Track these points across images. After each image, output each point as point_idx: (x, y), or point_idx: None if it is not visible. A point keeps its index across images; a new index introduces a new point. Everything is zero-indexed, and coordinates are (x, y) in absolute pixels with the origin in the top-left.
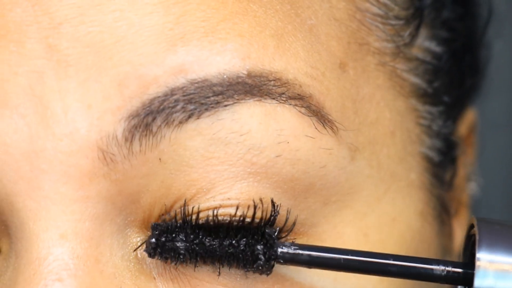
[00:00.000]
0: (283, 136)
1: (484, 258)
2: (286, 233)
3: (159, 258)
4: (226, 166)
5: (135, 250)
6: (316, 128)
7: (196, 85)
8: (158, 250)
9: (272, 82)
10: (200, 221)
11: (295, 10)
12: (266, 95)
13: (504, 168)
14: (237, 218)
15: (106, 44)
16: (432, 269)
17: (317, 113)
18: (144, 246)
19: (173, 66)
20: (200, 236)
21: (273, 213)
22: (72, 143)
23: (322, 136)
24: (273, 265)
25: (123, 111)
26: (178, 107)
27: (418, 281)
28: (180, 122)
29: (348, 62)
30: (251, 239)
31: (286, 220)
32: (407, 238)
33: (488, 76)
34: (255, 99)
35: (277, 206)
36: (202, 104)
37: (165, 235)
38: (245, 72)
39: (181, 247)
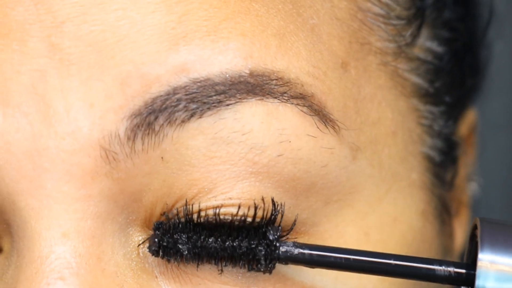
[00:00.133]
0: (285, 135)
1: (486, 259)
2: (287, 232)
3: (162, 257)
4: (228, 165)
5: (139, 245)
6: (318, 128)
7: (198, 84)
8: (161, 250)
9: (274, 81)
10: (202, 220)
11: (297, 9)
12: (268, 94)
13: (504, 168)
14: (238, 218)
15: (109, 43)
16: (434, 270)
17: (319, 113)
18: (146, 244)
19: (175, 65)
20: (203, 236)
21: (273, 212)
22: (75, 141)
23: (324, 135)
24: (275, 265)
25: (126, 110)
26: (180, 106)
27: (420, 281)
28: (182, 121)
29: (350, 61)
30: (253, 238)
31: (288, 220)
32: (408, 238)
33: (489, 76)
34: (257, 98)
35: (278, 205)
36: (204, 103)
37: (168, 235)
38: (247, 71)
39: (183, 248)
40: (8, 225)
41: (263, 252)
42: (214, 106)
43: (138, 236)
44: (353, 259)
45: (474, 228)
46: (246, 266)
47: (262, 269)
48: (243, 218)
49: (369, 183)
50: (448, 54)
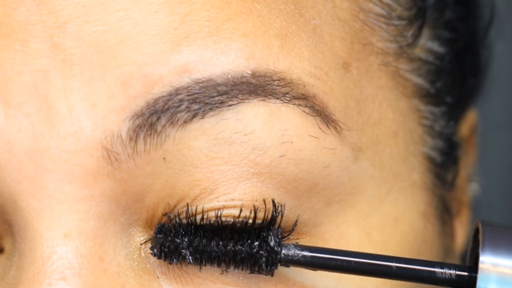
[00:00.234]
0: (287, 136)
1: (488, 262)
2: (289, 233)
3: (164, 259)
4: (230, 166)
5: (141, 244)
6: (320, 128)
7: (200, 84)
8: (163, 254)
9: (276, 82)
10: (204, 223)
11: (299, 10)
12: (270, 95)
13: (505, 168)
14: (240, 220)
15: (111, 44)
16: (435, 272)
17: (321, 113)
18: (147, 245)
19: (177, 65)
20: (205, 239)
21: (274, 213)
22: (77, 142)
23: (325, 136)
24: (276, 267)
25: (128, 110)
26: (183, 106)
27: (421, 284)
28: (185, 122)
29: (352, 62)
30: (255, 241)
31: (290, 221)
32: (409, 238)
33: (489, 77)
34: (259, 99)
35: (279, 206)
36: (206, 103)
37: (169, 238)
38: (250, 72)
39: (185, 252)
40: (10, 225)
41: (264, 257)
42: (216, 106)
43: (140, 236)
44: (354, 261)
45: (476, 231)
46: (248, 268)
47: (263, 273)
48: (245, 220)
49: (371, 184)
50: (449, 54)
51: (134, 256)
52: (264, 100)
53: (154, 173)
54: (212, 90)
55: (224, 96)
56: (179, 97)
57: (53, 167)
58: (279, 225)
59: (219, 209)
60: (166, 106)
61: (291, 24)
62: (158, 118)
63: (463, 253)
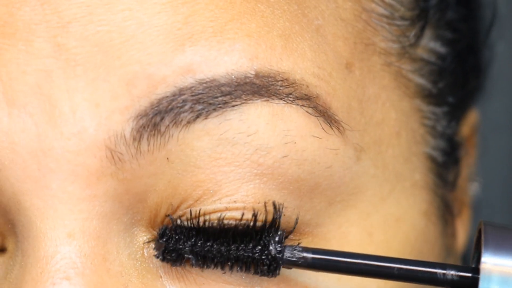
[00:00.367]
0: (290, 137)
1: (490, 262)
2: (289, 233)
3: (167, 261)
4: (233, 167)
5: (144, 243)
6: (323, 128)
7: (204, 85)
8: (167, 256)
9: (280, 83)
10: (207, 225)
11: (302, 10)
12: (273, 95)
13: (505, 168)
14: (242, 223)
15: (115, 44)
16: (438, 273)
17: (324, 114)
18: (150, 244)
19: (181, 66)
20: (208, 241)
21: (275, 216)
22: (80, 142)
23: (328, 136)
24: (279, 269)
25: (132, 110)
26: (186, 107)
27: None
28: (188, 122)
29: (354, 62)
30: (257, 243)
31: (292, 222)
32: (411, 238)
33: (490, 77)
34: (263, 99)
35: (279, 207)
36: (210, 104)
37: (173, 241)
38: (253, 73)
39: (189, 255)
40: (13, 225)
41: (267, 262)
42: (220, 107)
43: (143, 236)
44: (356, 263)
45: (479, 232)
46: (251, 270)
47: (266, 274)
48: (247, 222)
49: (373, 184)
50: (451, 54)
51: (137, 256)
52: (268, 100)
53: (157, 173)
54: (215, 91)
55: (228, 96)
56: (183, 97)
57: (57, 167)
58: (281, 228)
59: (221, 211)
60: (169, 107)
61: (294, 24)
62: (162, 119)
63: (465, 253)
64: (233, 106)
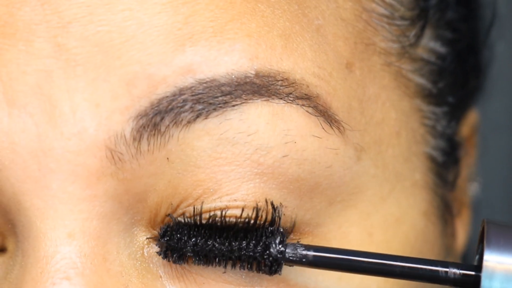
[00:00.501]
0: (290, 136)
1: (492, 260)
2: (290, 234)
3: (170, 260)
4: (233, 166)
5: (145, 239)
6: (323, 128)
7: (204, 85)
8: (169, 254)
9: (280, 82)
10: (207, 222)
11: (302, 10)
12: (273, 95)
13: (505, 168)
14: (243, 220)
15: (115, 44)
16: (441, 272)
17: (324, 113)
18: (150, 244)
19: (181, 66)
20: (209, 239)
21: (273, 215)
22: (80, 142)
23: (328, 136)
24: (280, 267)
25: (132, 110)
26: (187, 107)
27: (423, 283)
28: (188, 122)
29: (355, 62)
30: (259, 240)
31: (292, 221)
32: (411, 238)
33: (490, 77)
34: (263, 99)
35: (278, 207)
36: (210, 104)
37: (175, 240)
38: (253, 72)
39: (191, 253)
40: (13, 225)
41: (268, 255)
42: (220, 107)
43: (143, 236)
44: (358, 260)
45: (482, 230)
46: (252, 268)
47: (268, 272)
48: (247, 220)
49: (373, 184)
50: (451, 54)
51: (137, 256)
52: (268, 100)
53: (157, 173)
54: (215, 91)
55: (228, 96)
56: (183, 97)
57: (57, 167)
58: (282, 226)
59: (222, 209)
60: (170, 107)
61: (295, 24)
62: (162, 118)
63: (464, 253)
64: (233, 106)
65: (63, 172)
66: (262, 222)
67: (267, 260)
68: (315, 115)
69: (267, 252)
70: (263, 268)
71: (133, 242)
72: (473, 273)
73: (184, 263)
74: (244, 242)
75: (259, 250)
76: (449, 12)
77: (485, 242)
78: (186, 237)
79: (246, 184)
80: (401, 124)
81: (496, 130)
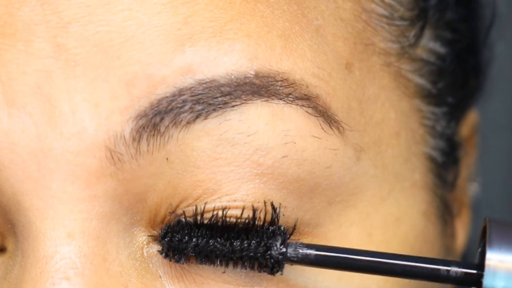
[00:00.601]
0: (290, 137)
1: (494, 258)
2: (290, 235)
3: (171, 259)
4: (232, 167)
5: (145, 243)
6: (323, 129)
7: (204, 85)
8: (170, 253)
9: (279, 83)
10: (209, 222)
11: (301, 10)
12: (273, 95)
13: (505, 168)
14: (243, 220)
15: (115, 44)
16: (442, 270)
17: (323, 114)
18: (150, 244)
19: (181, 66)
20: (211, 238)
21: (273, 215)
22: (80, 142)
23: (328, 136)
24: (283, 267)
25: (131, 111)
26: (186, 107)
27: (423, 282)
28: (188, 123)
29: (354, 62)
30: (260, 240)
31: (292, 221)
32: (410, 238)
33: (490, 77)
34: (263, 99)
35: (278, 207)
36: (210, 104)
37: (176, 239)
38: (253, 73)
39: (193, 252)
40: (13, 225)
41: (270, 254)
42: (220, 107)
43: (143, 236)
44: (360, 259)
45: (484, 229)
46: (254, 267)
47: (270, 271)
48: (247, 220)
49: (373, 184)
50: (450, 55)
51: (137, 256)
52: (267, 100)
53: (157, 174)
54: (215, 91)
55: (228, 96)
56: (183, 97)
57: (56, 167)
58: (282, 226)
59: (222, 209)
60: (169, 107)
61: (294, 24)
62: (162, 119)
63: (464, 254)
64: (233, 106)
65: (62, 172)
66: (262, 222)
67: (269, 260)
68: (315, 116)
69: (269, 252)
70: (264, 267)
71: (133, 242)
72: (475, 271)
73: (185, 263)
74: (245, 242)
75: (261, 250)
76: (449, 12)
77: (487, 240)
78: (187, 237)
79: (246, 185)
80: (401, 124)
81: (496, 130)
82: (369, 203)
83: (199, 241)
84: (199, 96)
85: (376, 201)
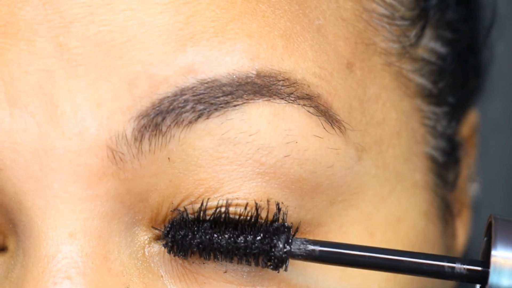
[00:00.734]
0: (292, 136)
1: (500, 255)
2: (295, 231)
3: (175, 255)
4: (234, 166)
5: (146, 242)
6: (324, 128)
7: (205, 85)
8: (175, 248)
9: (281, 82)
10: (212, 218)
11: (303, 10)
12: (275, 95)
13: (505, 168)
14: (246, 218)
15: (116, 44)
16: (447, 267)
17: (325, 113)
18: (151, 244)
19: (183, 66)
20: (215, 238)
21: (276, 216)
22: (82, 142)
23: (330, 136)
24: (287, 263)
25: (133, 110)
26: (188, 107)
27: (424, 280)
28: (190, 122)
29: (355, 62)
30: (264, 237)
31: (294, 221)
32: (411, 238)
33: (490, 77)
34: (264, 99)
35: (282, 207)
36: (211, 104)
37: (181, 235)
38: (254, 72)
39: (197, 248)
40: (14, 224)
41: (275, 250)
42: (221, 107)
43: (144, 235)
44: (363, 255)
45: (489, 226)
46: (259, 263)
47: (275, 267)
48: (250, 217)
49: (374, 183)
50: (451, 55)
51: (138, 255)
52: (269, 100)
53: (159, 173)
54: (217, 91)
55: (229, 96)
56: (184, 97)
57: (58, 167)
58: (286, 223)
59: (225, 206)
60: (171, 107)
61: (296, 24)
62: (163, 119)
63: (465, 254)
64: (235, 106)
65: (64, 172)
66: (265, 219)
67: (273, 256)
68: (316, 115)
69: (273, 248)
70: (269, 264)
71: (134, 242)
72: (480, 268)
73: (189, 259)
74: (249, 238)
75: (265, 246)
76: (449, 12)
77: (492, 237)
78: (191, 234)
79: (248, 183)
80: (402, 124)
81: (496, 130)
82: (370, 203)
83: (203, 237)
84: (201, 96)
85: (377, 201)
